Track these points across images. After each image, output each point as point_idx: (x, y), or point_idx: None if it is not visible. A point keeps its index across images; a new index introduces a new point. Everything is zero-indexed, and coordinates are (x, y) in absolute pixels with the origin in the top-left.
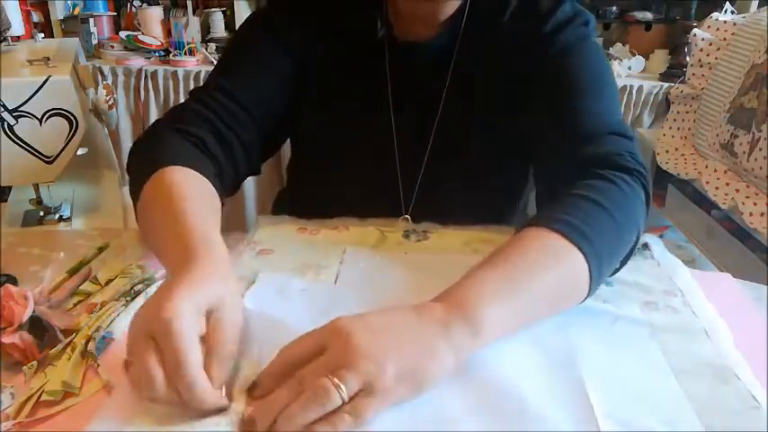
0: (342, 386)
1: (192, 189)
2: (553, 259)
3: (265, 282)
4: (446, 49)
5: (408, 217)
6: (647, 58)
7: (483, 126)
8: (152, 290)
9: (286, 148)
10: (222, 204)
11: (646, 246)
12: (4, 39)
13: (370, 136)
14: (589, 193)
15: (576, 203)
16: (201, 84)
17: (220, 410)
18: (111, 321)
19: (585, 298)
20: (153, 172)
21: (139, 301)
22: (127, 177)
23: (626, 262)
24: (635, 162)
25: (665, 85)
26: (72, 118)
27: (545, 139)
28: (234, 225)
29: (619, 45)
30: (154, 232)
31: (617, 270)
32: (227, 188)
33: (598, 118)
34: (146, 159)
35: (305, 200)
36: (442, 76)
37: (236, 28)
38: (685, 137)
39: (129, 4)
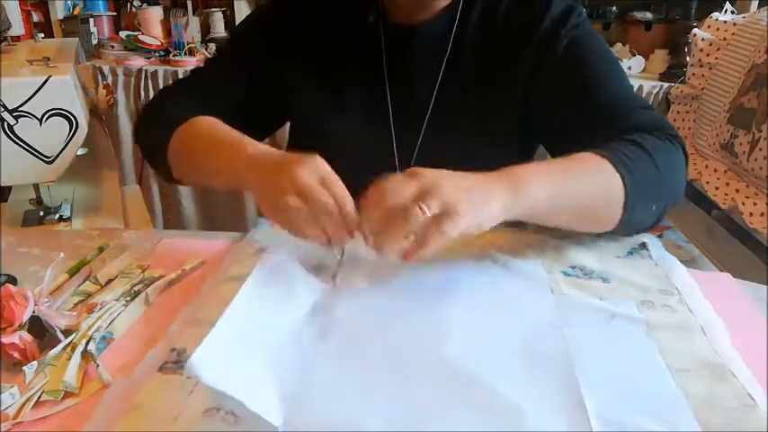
0: (425, 207)
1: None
2: (595, 171)
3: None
4: (442, 35)
5: None
6: (647, 58)
7: (476, 112)
8: (152, 290)
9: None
10: None
11: (643, 245)
12: (4, 39)
13: (366, 119)
14: (635, 138)
15: (623, 143)
16: None
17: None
18: (111, 321)
19: (617, 226)
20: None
21: (139, 301)
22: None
23: (661, 215)
24: (671, 128)
25: (665, 85)
26: (72, 118)
27: (576, 127)
28: (234, 225)
29: (619, 45)
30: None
31: (652, 222)
32: None
33: (625, 97)
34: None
35: None
36: (437, 62)
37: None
38: (685, 137)
39: (129, 4)
